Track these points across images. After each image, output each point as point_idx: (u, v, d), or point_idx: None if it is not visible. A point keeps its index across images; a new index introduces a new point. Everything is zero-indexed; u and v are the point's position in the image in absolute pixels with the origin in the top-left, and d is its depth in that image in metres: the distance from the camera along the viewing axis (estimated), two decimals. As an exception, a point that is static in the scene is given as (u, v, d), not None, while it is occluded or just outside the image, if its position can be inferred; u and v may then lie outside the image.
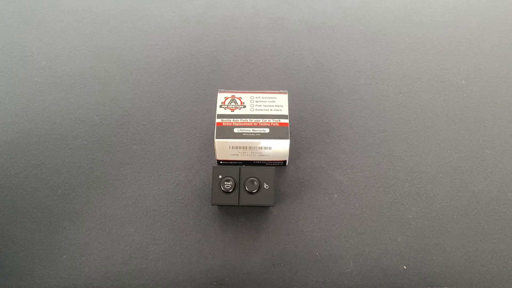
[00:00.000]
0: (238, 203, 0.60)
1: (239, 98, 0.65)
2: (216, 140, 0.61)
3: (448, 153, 0.68)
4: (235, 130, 0.62)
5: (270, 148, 0.62)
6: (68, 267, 0.60)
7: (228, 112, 0.63)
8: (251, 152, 0.63)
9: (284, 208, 0.64)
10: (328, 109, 0.72)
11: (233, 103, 0.64)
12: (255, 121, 0.62)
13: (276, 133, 0.62)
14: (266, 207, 0.63)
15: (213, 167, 0.61)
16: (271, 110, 0.64)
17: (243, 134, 0.61)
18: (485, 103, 0.72)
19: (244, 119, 0.63)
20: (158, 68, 0.76)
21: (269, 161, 0.65)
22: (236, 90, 0.68)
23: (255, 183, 0.60)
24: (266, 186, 0.60)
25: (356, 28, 0.80)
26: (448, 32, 0.80)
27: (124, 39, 0.79)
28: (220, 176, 0.60)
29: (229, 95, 0.65)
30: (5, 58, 0.77)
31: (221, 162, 0.65)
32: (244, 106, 0.64)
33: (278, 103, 0.64)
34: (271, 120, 0.63)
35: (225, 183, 0.60)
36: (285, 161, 0.65)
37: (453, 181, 0.65)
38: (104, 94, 0.73)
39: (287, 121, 0.63)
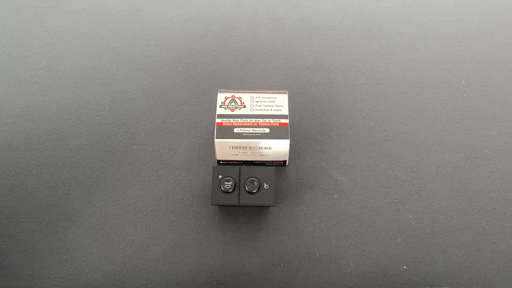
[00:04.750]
0: (238, 203, 0.60)
1: (239, 98, 0.65)
2: (216, 140, 0.61)
3: (448, 153, 0.68)
4: (235, 130, 0.62)
5: (270, 148, 0.62)
6: (68, 267, 0.60)
7: (228, 112, 0.63)
8: (251, 152, 0.63)
9: (284, 208, 0.64)
10: (328, 109, 0.72)
11: (233, 103, 0.64)
12: (255, 121, 0.62)
13: (276, 133, 0.62)
14: (266, 207, 0.63)
15: (213, 167, 0.61)
16: (271, 110, 0.64)
17: (243, 134, 0.61)
18: (485, 103, 0.72)
19: (244, 119, 0.63)
20: (158, 68, 0.76)
21: (269, 161, 0.65)
22: (236, 90, 0.68)
23: (255, 183, 0.60)
24: (266, 186, 0.60)
25: (356, 28, 0.80)
26: (448, 32, 0.80)
27: (124, 39, 0.79)
28: (220, 176, 0.60)
29: (229, 95, 0.65)
30: (5, 58, 0.77)
31: (221, 162, 0.65)
32: (244, 106, 0.64)
33: (278, 103, 0.64)
34: (271, 120, 0.63)
35: (225, 183, 0.60)
36: (285, 161, 0.65)
37: (453, 181, 0.65)
38: (104, 94, 0.73)
39: (287, 121, 0.63)
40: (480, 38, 0.79)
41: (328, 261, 0.60)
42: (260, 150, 0.63)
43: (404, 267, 0.60)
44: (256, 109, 0.63)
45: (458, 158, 0.67)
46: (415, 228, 0.62)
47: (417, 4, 0.83)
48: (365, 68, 0.76)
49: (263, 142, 0.61)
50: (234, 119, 0.62)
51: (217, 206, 0.64)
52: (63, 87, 0.74)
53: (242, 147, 0.62)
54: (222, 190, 0.60)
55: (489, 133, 0.69)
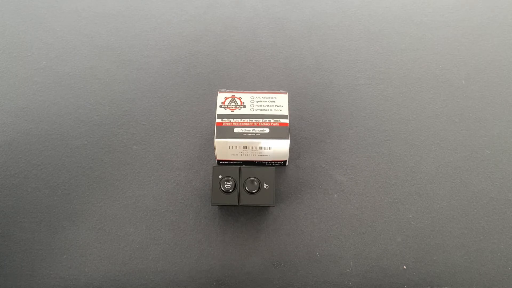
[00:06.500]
0: (238, 203, 0.60)
1: (239, 98, 0.65)
2: (216, 140, 0.61)
3: (448, 153, 0.68)
4: (235, 130, 0.62)
5: (270, 148, 0.62)
6: (68, 267, 0.60)
7: (228, 112, 0.63)
8: (251, 152, 0.63)
9: (284, 208, 0.64)
10: (328, 109, 0.72)
11: (233, 103, 0.64)
12: (255, 121, 0.62)
13: (276, 133, 0.62)
14: (266, 207, 0.63)
15: (213, 167, 0.61)
16: (271, 110, 0.64)
17: (243, 134, 0.61)
18: (485, 103, 0.72)
19: (244, 119, 0.63)
20: (158, 68, 0.76)
21: (269, 161, 0.65)
22: (236, 90, 0.68)
23: (255, 183, 0.60)
24: (266, 186, 0.60)
25: (356, 28, 0.80)
26: (448, 32, 0.80)
27: (124, 39, 0.79)
28: (220, 176, 0.60)
29: (229, 95, 0.65)
30: (5, 58, 0.77)
31: (221, 162, 0.65)
32: (244, 106, 0.64)
33: (278, 103, 0.64)
34: (271, 120, 0.63)
35: (225, 183, 0.60)
36: (285, 161, 0.65)
37: (453, 181, 0.65)
38: (104, 94, 0.73)
39: (287, 121, 0.63)
40: (480, 38, 0.79)
41: (328, 261, 0.60)
42: (260, 150, 0.63)
43: (404, 267, 0.60)
44: (256, 109, 0.64)
45: (458, 158, 0.67)
46: (415, 228, 0.62)
47: (417, 4, 0.83)
48: (365, 68, 0.76)
49: (263, 142, 0.61)
50: (234, 119, 0.62)
51: (217, 206, 0.64)
52: (63, 87, 0.74)
53: (242, 147, 0.62)
54: (222, 190, 0.60)
55: (489, 133, 0.69)
